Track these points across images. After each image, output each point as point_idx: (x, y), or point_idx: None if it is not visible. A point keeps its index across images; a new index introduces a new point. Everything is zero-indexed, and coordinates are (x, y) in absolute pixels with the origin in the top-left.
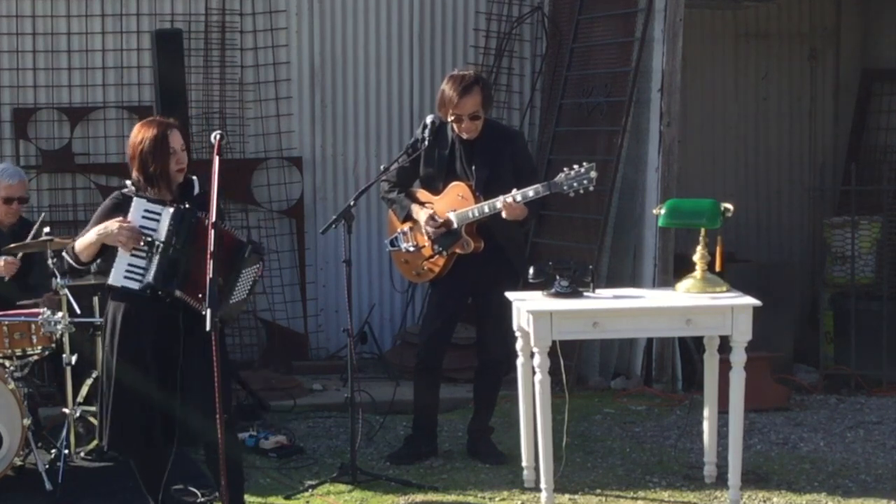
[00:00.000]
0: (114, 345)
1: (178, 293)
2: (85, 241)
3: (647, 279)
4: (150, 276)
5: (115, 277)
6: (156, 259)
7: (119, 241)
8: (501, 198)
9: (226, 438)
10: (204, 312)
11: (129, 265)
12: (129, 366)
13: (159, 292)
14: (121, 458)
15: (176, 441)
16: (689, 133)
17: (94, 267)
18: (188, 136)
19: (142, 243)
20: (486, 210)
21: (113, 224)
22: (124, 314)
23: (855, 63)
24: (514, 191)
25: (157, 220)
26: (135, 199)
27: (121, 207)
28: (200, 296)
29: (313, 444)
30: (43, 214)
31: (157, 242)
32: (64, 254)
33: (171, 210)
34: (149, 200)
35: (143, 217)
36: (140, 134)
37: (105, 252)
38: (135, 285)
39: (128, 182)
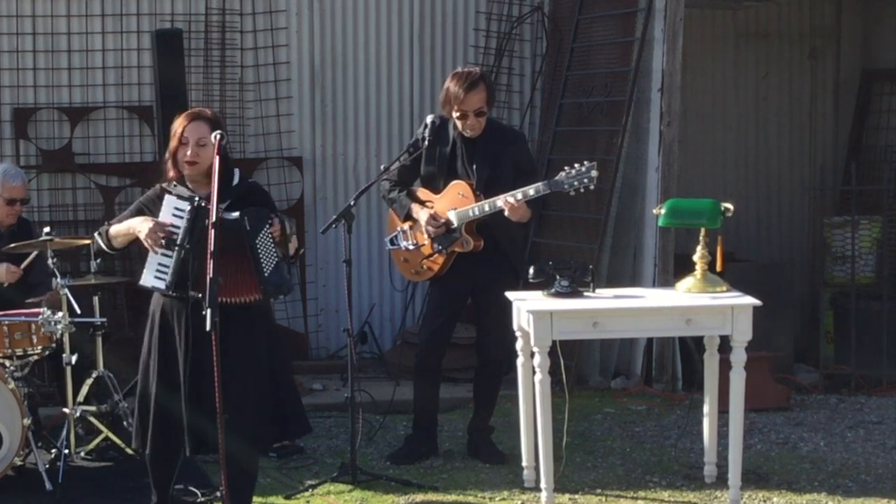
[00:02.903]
0: (152, 342)
1: (191, 293)
2: (120, 229)
3: (647, 279)
4: (170, 276)
5: (146, 278)
6: (175, 257)
7: (147, 242)
8: (502, 197)
9: (242, 444)
10: (204, 312)
11: (159, 264)
12: (165, 367)
13: (174, 292)
14: (121, 457)
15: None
16: (689, 133)
17: (94, 266)
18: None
19: (163, 241)
20: (487, 209)
21: (145, 224)
22: (162, 311)
23: (855, 63)
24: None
25: (182, 218)
26: (166, 196)
27: (161, 199)
28: (200, 295)
29: (313, 444)
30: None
31: (177, 241)
32: (96, 235)
33: (189, 207)
34: (178, 197)
35: (174, 214)
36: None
37: (136, 243)
38: (161, 284)
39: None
